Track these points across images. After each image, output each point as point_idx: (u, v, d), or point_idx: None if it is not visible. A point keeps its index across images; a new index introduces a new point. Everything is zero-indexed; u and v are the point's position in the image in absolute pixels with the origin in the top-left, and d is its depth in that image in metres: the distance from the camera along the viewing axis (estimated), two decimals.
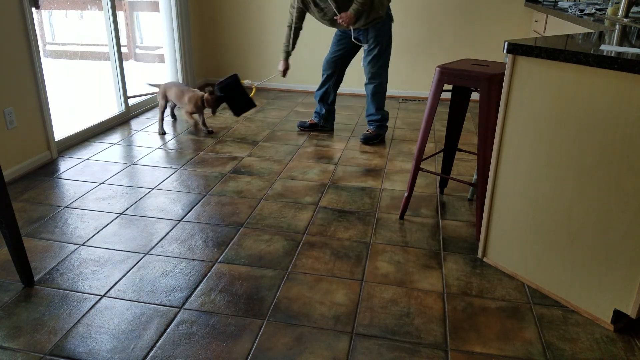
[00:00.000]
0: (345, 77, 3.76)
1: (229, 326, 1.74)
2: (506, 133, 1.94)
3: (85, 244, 2.22)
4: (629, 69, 1.52)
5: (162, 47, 4.66)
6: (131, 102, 4.04)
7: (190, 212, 2.53)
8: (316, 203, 2.66)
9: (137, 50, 5.87)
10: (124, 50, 3.93)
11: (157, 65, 5.45)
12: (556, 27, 3.56)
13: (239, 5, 4.90)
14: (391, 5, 3.45)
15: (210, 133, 3.72)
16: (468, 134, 3.79)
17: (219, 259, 2.13)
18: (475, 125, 4.01)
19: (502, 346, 1.67)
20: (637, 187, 1.58)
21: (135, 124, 3.92)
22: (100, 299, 1.87)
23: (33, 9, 2.92)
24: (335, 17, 3.31)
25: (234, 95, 3.55)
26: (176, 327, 1.73)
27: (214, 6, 4.94)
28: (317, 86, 3.86)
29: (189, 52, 4.69)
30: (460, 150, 2.78)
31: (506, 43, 1.85)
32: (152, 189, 2.79)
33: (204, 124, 3.74)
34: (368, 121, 3.67)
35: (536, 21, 4.24)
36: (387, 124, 3.71)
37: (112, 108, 3.93)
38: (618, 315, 1.74)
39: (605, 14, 3.14)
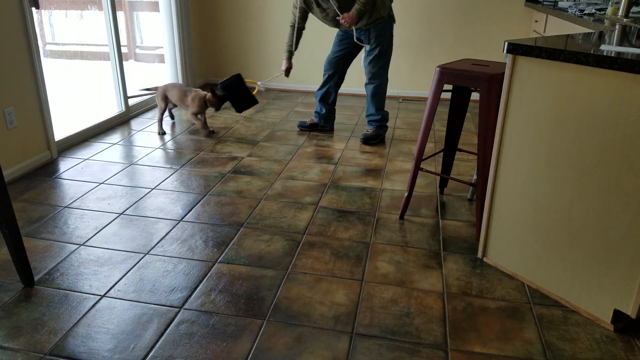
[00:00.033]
0: (345, 77, 3.77)
1: (229, 326, 1.74)
2: (506, 133, 1.94)
3: (85, 244, 2.22)
4: (629, 69, 1.52)
5: (162, 47, 4.66)
6: (131, 102, 4.04)
7: (190, 212, 2.53)
8: (316, 203, 2.66)
9: (137, 50, 5.87)
10: (124, 50, 3.93)
11: (157, 65, 5.45)
12: (556, 27, 3.56)
13: (239, 5, 4.90)
14: (392, 5, 3.45)
15: (212, 133, 3.71)
16: (468, 134, 3.79)
17: (219, 259, 2.13)
18: (475, 125, 4.01)
19: (502, 346, 1.67)
20: (637, 187, 1.58)
21: (135, 124, 3.92)
22: (100, 299, 1.87)
23: (33, 9, 2.92)
24: (337, 18, 3.31)
25: (236, 93, 3.56)
26: (176, 327, 1.73)
27: (214, 6, 4.94)
28: (317, 86, 3.86)
29: (189, 52, 4.69)
30: (460, 150, 2.78)
31: (506, 43, 1.85)
32: (152, 189, 2.79)
33: (205, 124, 3.74)
34: (368, 121, 3.67)
35: (536, 21, 4.24)
36: (387, 124, 3.71)
37: (112, 108, 3.93)
38: (618, 315, 1.74)
39: (605, 14, 3.14)
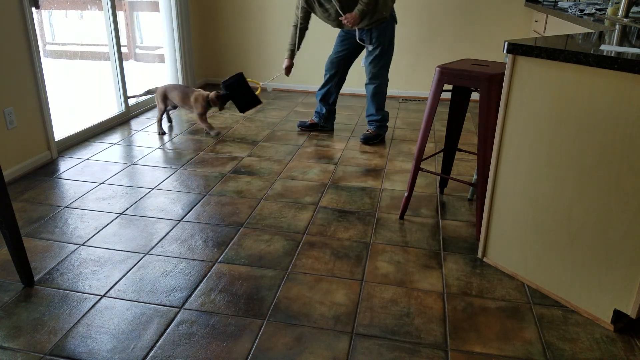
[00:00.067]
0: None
1: (229, 326, 1.74)
2: (506, 133, 1.94)
3: (85, 244, 2.22)
4: (629, 69, 1.52)
5: (162, 47, 4.66)
6: (131, 102, 4.04)
7: (190, 212, 2.53)
8: (316, 203, 2.66)
9: (137, 50, 5.87)
10: (124, 50, 3.93)
11: (157, 65, 5.45)
12: (556, 27, 3.56)
13: (239, 5, 4.90)
14: (394, 6, 3.45)
15: (219, 134, 3.71)
16: (468, 134, 3.79)
17: (219, 259, 2.13)
18: (475, 125, 4.01)
19: (502, 346, 1.67)
20: (637, 187, 1.58)
21: (135, 124, 3.92)
22: (100, 299, 1.87)
23: (33, 9, 2.92)
24: (340, 18, 3.31)
25: (238, 93, 3.56)
26: (176, 327, 1.73)
27: (214, 6, 4.94)
28: (317, 86, 3.86)
29: (189, 52, 4.69)
30: (460, 150, 2.78)
31: (506, 43, 1.85)
32: (152, 189, 2.79)
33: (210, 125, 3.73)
34: (368, 121, 3.67)
35: (536, 21, 4.24)
36: (387, 124, 3.71)
37: (112, 108, 3.93)
38: (618, 315, 1.74)
39: (605, 14, 3.14)
